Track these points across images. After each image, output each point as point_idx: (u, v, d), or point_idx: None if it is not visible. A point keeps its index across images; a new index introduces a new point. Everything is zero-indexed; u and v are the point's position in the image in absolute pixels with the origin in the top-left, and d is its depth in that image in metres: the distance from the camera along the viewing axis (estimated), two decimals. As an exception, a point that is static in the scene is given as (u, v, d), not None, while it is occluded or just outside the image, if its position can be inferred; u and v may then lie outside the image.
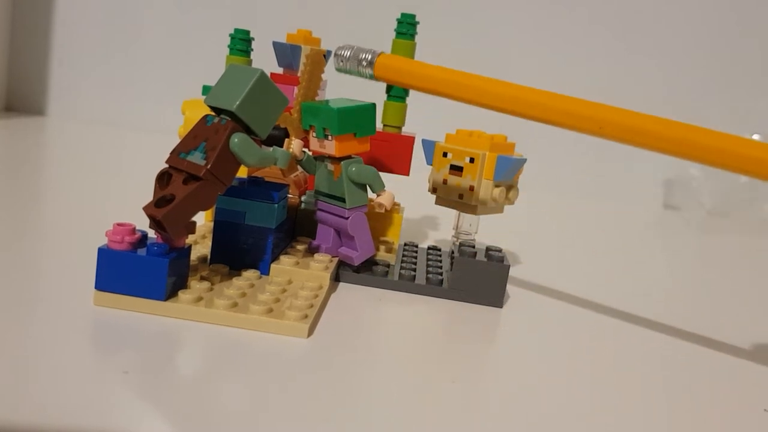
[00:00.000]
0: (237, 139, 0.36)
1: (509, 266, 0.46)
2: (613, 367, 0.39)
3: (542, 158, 1.08)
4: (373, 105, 0.44)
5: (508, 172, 0.48)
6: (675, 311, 0.52)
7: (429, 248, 0.55)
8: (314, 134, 0.44)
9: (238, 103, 0.36)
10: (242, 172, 0.48)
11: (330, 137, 0.43)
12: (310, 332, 0.37)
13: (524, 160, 0.49)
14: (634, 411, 0.33)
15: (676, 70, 1.09)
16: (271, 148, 0.39)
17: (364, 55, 0.42)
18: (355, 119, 0.43)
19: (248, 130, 0.37)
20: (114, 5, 1.13)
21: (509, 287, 0.50)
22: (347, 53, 0.43)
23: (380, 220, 0.52)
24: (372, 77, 0.42)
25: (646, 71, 1.09)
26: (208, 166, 0.36)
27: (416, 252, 0.53)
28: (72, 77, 1.16)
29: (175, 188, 0.36)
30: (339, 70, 0.43)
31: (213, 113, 0.38)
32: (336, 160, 0.44)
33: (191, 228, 0.37)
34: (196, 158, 0.36)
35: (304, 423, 0.28)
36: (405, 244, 0.55)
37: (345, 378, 0.32)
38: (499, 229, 0.65)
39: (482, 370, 0.37)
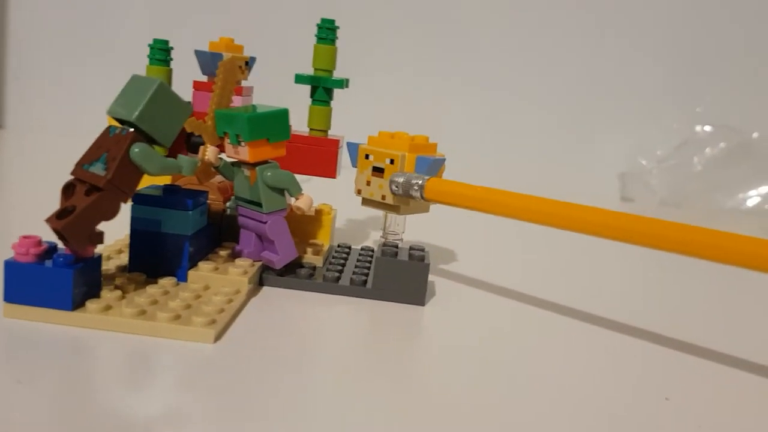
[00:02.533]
0: (137, 149, 0.37)
1: (429, 264, 0.47)
2: (534, 360, 0.40)
3: (502, 156, 1.09)
4: (286, 111, 0.44)
5: (427, 172, 0.48)
6: (608, 302, 0.52)
7: (362, 249, 0.55)
8: (228, 141, 0.44)
9: (137, 113, 0.37)
10: (164, 181, 0.49)
11: (243, 143, 0.43)
12: (218, 337, 0.37)
13: (443, 160, 0.49)
14: (547, 401, 0.34)
15: (628, 64, 1.10)
16: (177, 157, 0.39)
17: (415, 181, 0.47)
18: (267, 125, 0.43)
19: (151, 140, 0.38)
20: (65, 19, 1.13)
21: (441, 286, 0.51)
22: (401, 180, 0.47)
23: (309, 222, 0.53)
24: (424, 200, 0.47)
25: (599, 66, 1.10)
26: (109, 177, 0.36)
27: (347, 254, 0.54)
28: (28, 90, 1.16)
29: (77, 199, 0.36)
30: (395, 194, 0.48)
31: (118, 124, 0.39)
32: (251, 165, 0.44)
33: (97, 238, 0.37)
34: (98, 169, 0.37)
35: (201, 429, 0.28)
36: (338, 246, 0.55)
37: (246, 382, 0.33)
38: (453, 228, 0.66)
39: (398, 369, 0.37)
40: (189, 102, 0.52)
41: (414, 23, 1.11)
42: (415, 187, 0.47)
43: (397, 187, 0.48)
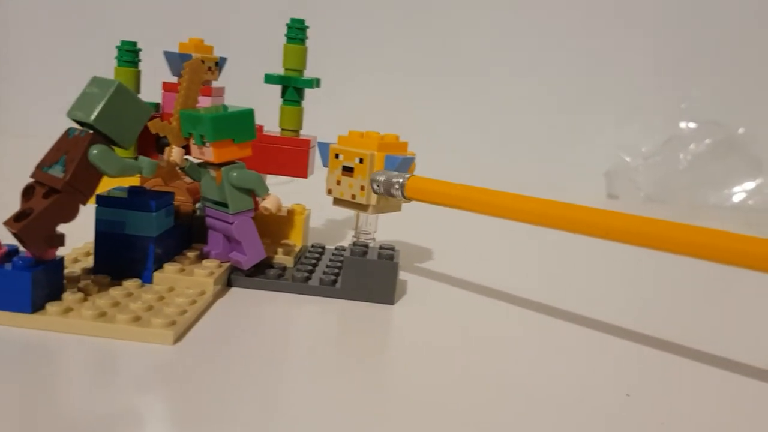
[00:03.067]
0: (96, 151, 0.37)
1: (398, 264, 0.46)
2: (504, 359, 0.40)
3: (487, 155, 1.09)
4: (251, 111, 0.44)
5: (396, 170, 0.48)
6: (583, 299, 0.52)
7: (335, 249, 0.55)
8: (193, 141, 0.44)
9: (95, 115, 0.36)
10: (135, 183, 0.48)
11: (207, 144, 0.43)
12: (179, 338, 0.37)
13: (412, 159, 0.49)
14: (516, 400, 0.34)
15: (614, 62, 1.10)
16: (137, 158, 0.39)
17: (396, 180, 0.47)
18: (232, 125, 0.43)
19: (110, 142, 0.38)
20: (52, 22, 1.13)
21: (413, 285, 0.51)
22: (382, 178, 0.48)
23: (281, 223, 0.53)
24: (405, 199, 0.48)
25: (585, 64, 1.10)
26: (67, 179, 0.36)
27: (320, 254, 0.54)
28: None
29: (35, 202, 0.36)
30: (376, 192, 0.48)
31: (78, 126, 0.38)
32: (216, 166, 0.44)
33: (57, 241, 0.37)
34: (56, 171, 0.36)
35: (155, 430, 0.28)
36: (311, 246, 0.55)
37: (205, 383, 0.33)
38: (429, 227, 0.66)
39: (365, 369, 0.37)
40: (156, 103, 0.52)
41: (390, 21, 1.11)
42: (396, 186, 0.47)
43: (378, 186, 0.48)
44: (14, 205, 0.37)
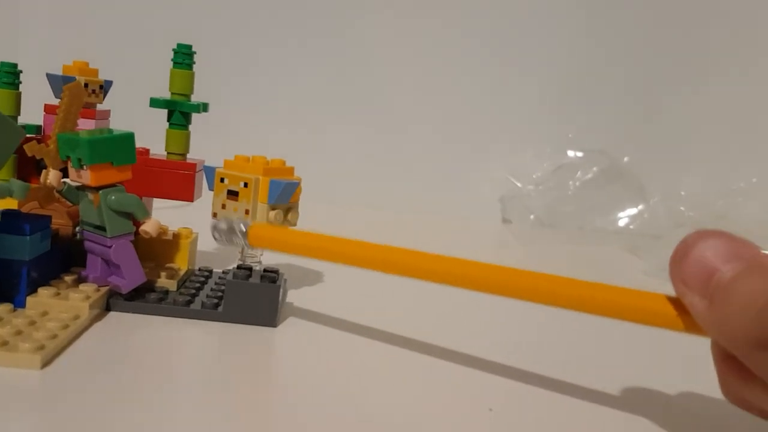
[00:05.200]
0: (-39, 173, 0.36)
1: (280, 286, 0.47)
2: (377, 388, 0.41)
3: (388, 180, 1.12)
4: (131, 134, 0.44)
5: (281, 195, 0.49)
6: (458, 320, 0.55)
7: (222, 272, 0.56)
8: (71, 164, 0.44)
9: (-39, 137, 0.36)
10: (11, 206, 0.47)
11: (85, 167, 0.43)
12: (47, 363, 0.37)
13: (297, 183, 0.50)
14: (394, 418, 0.35)
15: (508, 90, 1.15)
16: (8, 181, 0.39)
17: (238, 227, 0.45)
18: (110, 148, 0.43)
19: (-21, 164, 0.37)
20: None
21: (300, 307, 0.52)
22: (223, 225, 0.45)
23: (165, 246, 0.53)
24: (249, 246, 0.46)
25: (483, 90, 1.15)
26: (-70, 202, 0.35)
27: (207, 277, 0.54)
28: None
29: None
30: (218, 242, 0.46)
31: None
32: (94, 189, 0.44)
33: None
34: None
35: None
36: (198, 270, 0.55)
37: (75, 408, 0.33)
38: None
39: (241, 390, 0.38)
40: (38, 126, 0.52)
41: (282, 44, 1.13)
42: (239, 234, 0.45)
43: (219, 235, 0.45)
44: None
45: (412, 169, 1.13)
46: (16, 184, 0.39)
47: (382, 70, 1.14)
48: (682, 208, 1.08)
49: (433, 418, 0.36)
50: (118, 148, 0.44)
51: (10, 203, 0.46)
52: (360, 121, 1.14)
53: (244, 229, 0.45)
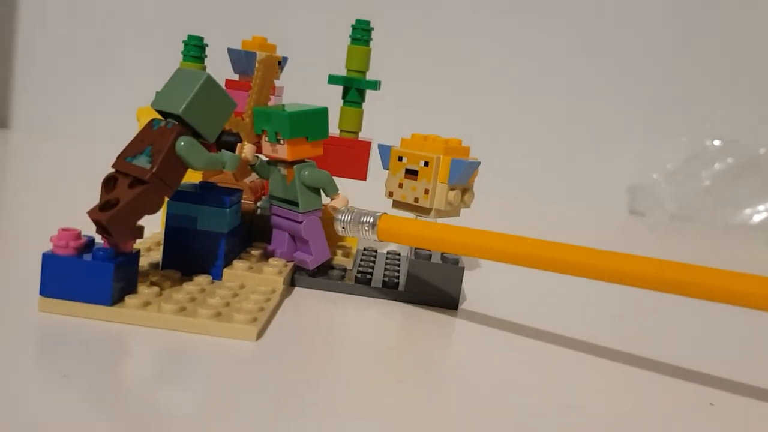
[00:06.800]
0: (183, 143, 0.36)
1: (464, 268, 0.46)
2: (566, 373, 0.39)
3: (511, 165, 1.09)
4: (325, 109, 0.44)
5: (462, 175, 0.48)
6: (622, 314, 0.52)
7: (388, 253, 0.55)
8: (266, 138, 0.44)
9: (184, 106, 0.36)
10: (197, 178, 0.48)
11: (282, 141, 0.43)
12: (260, 335, 0.36)
13: (478, 163, 0.49)
14: (583, 409, 0.34)
15: (639, 78, 1.11)
16: (220, 152, 0.39)
17: (365, 219, 0.43)
18: (307, 123, 0.43)
19: (196, 134, 0.37)
20: (73, 19, 1.13)
21: (466, 290, 0.51)
22: (347, 217, 0.43)
23: (338, 225, 0.52)
24: (377, 240, 0.43)
25: (610, 79, 1.11)
26: (154, 170, 0.35)
27: (375, 257, 0.53)
28: (35, 90, 1.15)
29: (121, 192, 0.36)
30: (341, 234, 0.44)
31: (161, 117, 0.38)
32: (288, 164, 0.44)
33: (138, 233, 0.37)
34: (142, 162, 0.36)
35: (250, 425, 0.28)
36: (364, 250, 0.55)
37: (293, 380, 0.32)
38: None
39: (433, 372, 0.37)
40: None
41: (442, 33, 1.11)
42: (366, 227, 0.43)
43: (344, 226, 0.44)
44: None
45: (536, 158, 1.11)
46: (228, 155, 0.38)
47: (518, 57, 1.11)
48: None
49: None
50: (314, 123, 0.43)
51: (193, 175, 0.47)
52: (490, 111, 1.11)
53: (373, 222, 0.43)
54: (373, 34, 0.52)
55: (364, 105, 0.54)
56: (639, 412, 0.34)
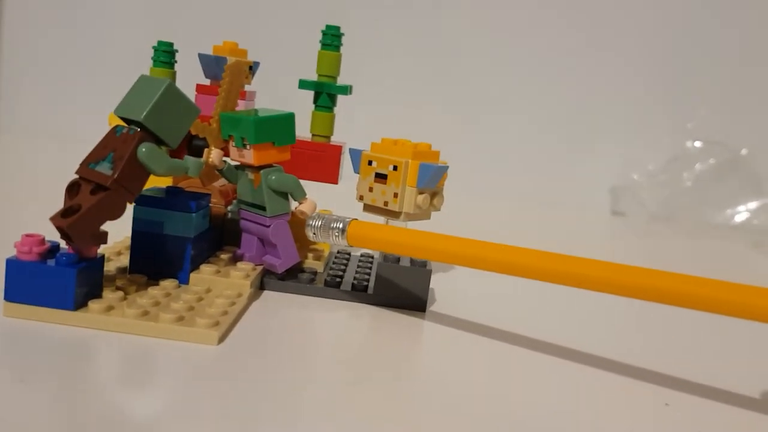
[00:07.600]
0: (144, 149, 0.37)
1: (431, 271, 0.47)
2: (532, 374, 0.40)
3: (493, 166, 1.10)
4: (292, 114, 0.44)
5: (430, 179, 0.48)
6: (588, 316, 0.53)
7: (361, 256, 0.55)
8: (233, 144, 0.44)
9: (145, 113, 0.36)
10: (167, 183, 0.48)
11: (248, 146, 0.43)
12: (222, 339, 0.37)
13: (446, 168, 0.49)
14: (547, 409, 0.34)
15: (620, 79, 1.11)
16: (184, 158, 0.39)
17: (335, 225, 0.44)
18: (273, 128, 0.43)
19: (158, 141, 0.38)
20: (60, 20, 1.13)
21: (434, 292, 0.51)
22: (318, 223, 0.44)
23: (309, 228, 0.53)
24: (347, 245, 0.44)
25: (591, 80, 1.11)
26: (115, 176, 0.36)
27: (347, 260, 0.54)
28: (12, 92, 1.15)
29: (83, 198, 0.36)
30: (314, 239, 0.45)
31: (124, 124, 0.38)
32: (255, 168, 0.44)
33: (101, 238, 0.37)
34: (104, 168, 0.36)
35: (208, 429, 0.28)
36: (338, 252, 0.55)
37: (252, 384, 0.33)
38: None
39: (400, 373, 0.37)
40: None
41: (417, 33, 1.12)
42: (336, 232, 0.44)
43: (314, 232, 0.45)
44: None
45: (517, 158, 1.11)
46: (191, 161, 0.39)
47: (499, 58, 1.11)
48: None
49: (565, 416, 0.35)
50: (280, 128, 0.44)
51: (157, 180, 0.47)
52: (468, 104, 1.12)
53: (343, 228, 0.44)
54: (344, 39, 0.53)
55: (342, 109, 0.54)
56: (606, 412, 0.35)
